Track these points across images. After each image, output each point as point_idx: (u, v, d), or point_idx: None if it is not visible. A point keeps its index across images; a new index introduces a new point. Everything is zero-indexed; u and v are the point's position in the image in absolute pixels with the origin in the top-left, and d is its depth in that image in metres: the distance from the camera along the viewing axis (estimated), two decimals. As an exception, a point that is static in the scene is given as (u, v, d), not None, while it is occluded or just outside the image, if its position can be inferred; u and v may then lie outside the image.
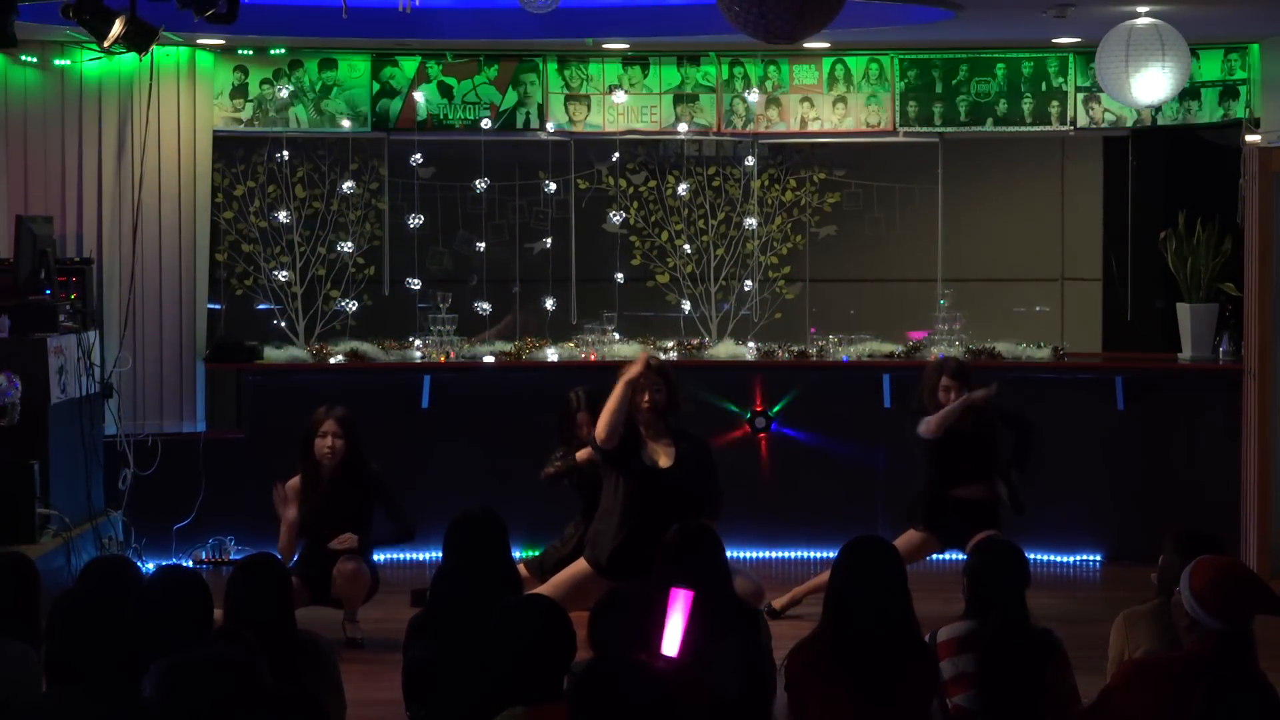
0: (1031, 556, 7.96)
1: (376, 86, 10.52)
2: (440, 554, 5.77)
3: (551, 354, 10.21)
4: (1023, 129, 10.67)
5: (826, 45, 10.40)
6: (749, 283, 10.81)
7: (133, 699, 4.03)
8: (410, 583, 8.97)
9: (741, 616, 5.53)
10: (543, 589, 7.80)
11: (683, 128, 10.64)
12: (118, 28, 7.59)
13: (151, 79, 9.86)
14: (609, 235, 10.88)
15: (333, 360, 10.19)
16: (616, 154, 10.85)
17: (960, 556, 8.19)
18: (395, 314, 10.82)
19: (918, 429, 8.66)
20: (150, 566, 9.08)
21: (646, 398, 8.07)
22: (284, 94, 10.40)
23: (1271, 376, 9.80)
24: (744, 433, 10.32)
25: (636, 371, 8.04)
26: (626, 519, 7.97)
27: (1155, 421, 10.19)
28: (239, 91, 10.41)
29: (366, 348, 10.26)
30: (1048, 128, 10.65)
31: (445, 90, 10.57)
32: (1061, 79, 10.58)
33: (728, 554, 5.72)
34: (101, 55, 9.48)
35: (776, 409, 10.29)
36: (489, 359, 10.23)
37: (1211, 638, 4.67)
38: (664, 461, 8.07)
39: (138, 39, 7.75)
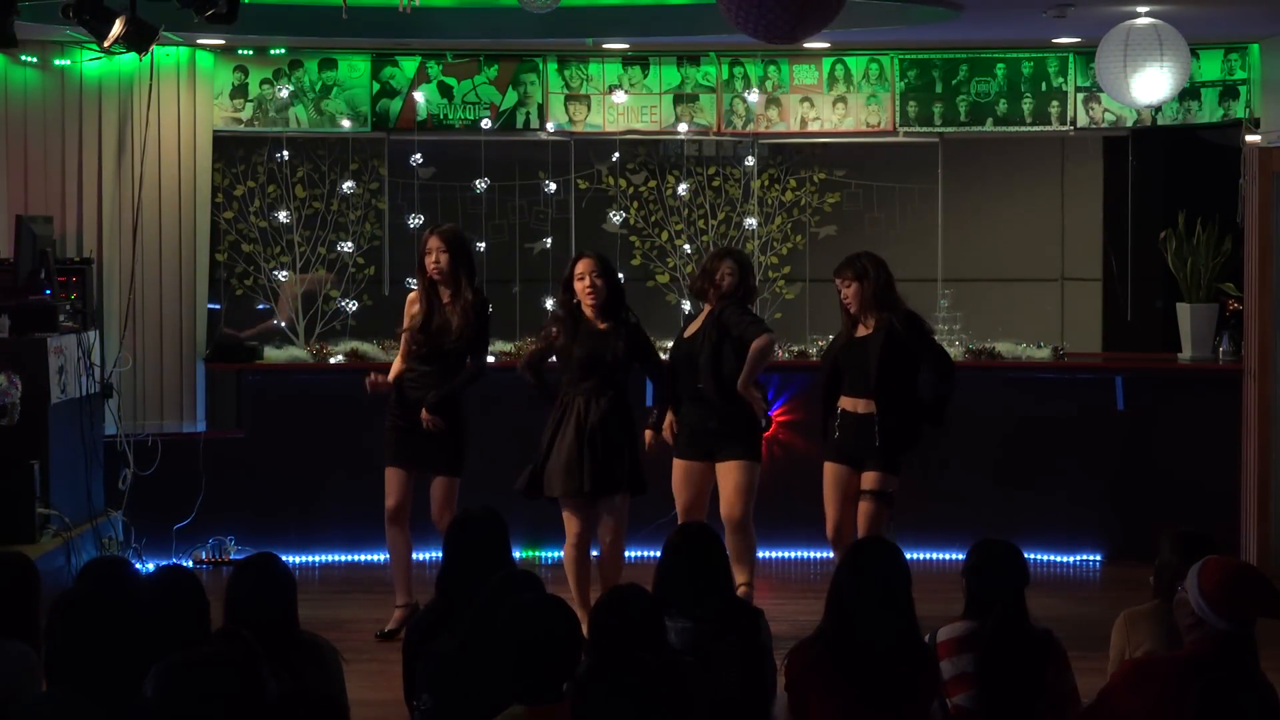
0: (1031, 556, 7.97)
1: (376, 86, 10.52)
2: (441, 554, 5.77)
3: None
4: (1023, 129, 10.66)
5: (826, 45, 10.39)
6: (749, 283, 10.79)
7: (133, 699, 4.04)
8: (412, 581, 8.95)
9: (741, 616, 5.53)
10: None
11: (683, 128, 10.64)
12: (118, 28, 7.59)
13: (151, 79, 9.86)
14: (609, 235, 10.88)
15: (333, 360, 10.18)
16: (616, 154, 10.84)
17: (959, 556, 8.17)
18: (395, 314, 10.80)
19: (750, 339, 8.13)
20: (150, 566, 9.07)
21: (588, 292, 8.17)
22: (284, 94, 10.40)
23: (1271, 376, 9.80)
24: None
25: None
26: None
27: (1155, 421, 10.18)
28: (239, 91, 10.41)
29: (367, 347, 10.25)
30: (1048, 128, 10.65)
31: (445, 90, 10.57)
32: (1061, 79, 10.57)
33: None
34: (101, 55, 9.49)
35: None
36: (489, 359, 10.20)
37: (1214, 638, 4.65)
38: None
39: (138, 39, 7.75)
